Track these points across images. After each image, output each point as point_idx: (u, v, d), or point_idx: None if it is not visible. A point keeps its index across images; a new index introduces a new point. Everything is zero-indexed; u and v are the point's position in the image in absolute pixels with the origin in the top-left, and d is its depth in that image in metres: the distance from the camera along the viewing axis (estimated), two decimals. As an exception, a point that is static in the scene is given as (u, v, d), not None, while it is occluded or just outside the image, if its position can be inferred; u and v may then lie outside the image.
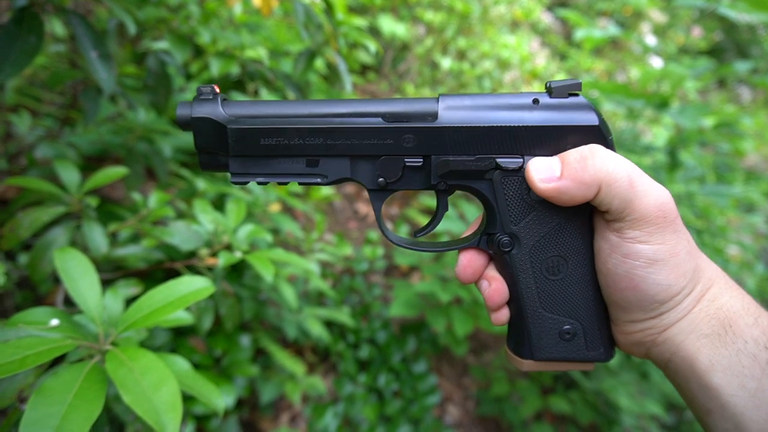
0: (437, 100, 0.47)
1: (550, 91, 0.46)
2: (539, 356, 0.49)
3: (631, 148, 1.89)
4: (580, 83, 0.46)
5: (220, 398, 0.54)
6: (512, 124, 0.45)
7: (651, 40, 3.07)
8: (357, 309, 2.00)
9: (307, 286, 1.77)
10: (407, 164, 0.47)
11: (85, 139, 1.39)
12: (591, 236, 0.47)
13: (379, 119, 0.46)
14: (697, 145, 2.01)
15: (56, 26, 1.45)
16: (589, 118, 0.45)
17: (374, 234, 2.29)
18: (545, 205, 0.47)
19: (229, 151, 0.47)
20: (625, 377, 1.75)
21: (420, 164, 0.47)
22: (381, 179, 0.48)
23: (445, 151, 0.47)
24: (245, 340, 1.51)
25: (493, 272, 0.52)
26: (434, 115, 0.46)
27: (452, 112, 0.46)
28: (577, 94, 0.46)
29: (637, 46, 3.55)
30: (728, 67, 1.72)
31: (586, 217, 0.47)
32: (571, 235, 0.47)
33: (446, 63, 2.57)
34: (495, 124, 0.45)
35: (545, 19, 3.72)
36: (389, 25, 2.46)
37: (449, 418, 1.94)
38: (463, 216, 1.72)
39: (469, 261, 0.51)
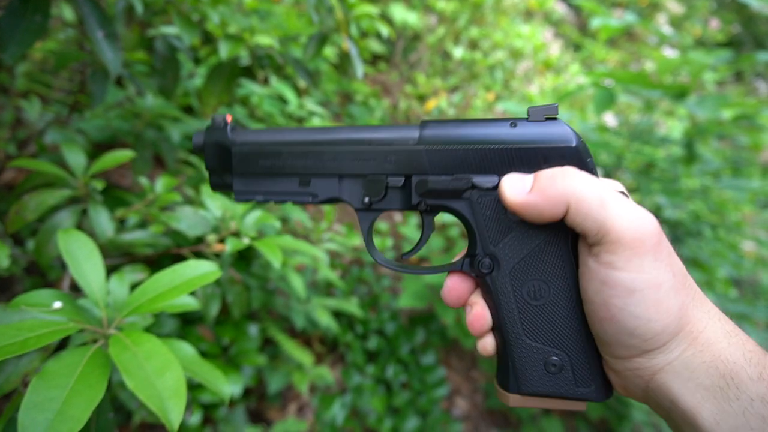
0: (419, 126, 0.50)
1: (528, 115, 0.47)
2: (525, 389, 0.48)
3: (646, 140, 1.86)
4: (557, 106, 0.47)
5: (226, 385, 0.53)
6: (488, 145, 0.47)
7: (667, 31, 3.01)
8: (365, 300, 1.99)
9: (316, 276, 1.76)
10: (390, 184, 0.50)
11: (94, 125, 1.38)
12: (575, 262, 0.46)
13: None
14: (715, 138, 1.96)
15: (65, 11, 1.44)
16: (566, 140, 0.46)
17: (384, 225, 2.27)
18: (525, 226, 0.47)
19: (233, 170, 0.53)
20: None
21: (401, 184, 0.50)
22: (366, 199, 0.51)
23: (424, 171, 0.49)
24: (253, 330, 1.50)
25: (476, 297, 0.51)
26: (415, 139, 0.49)
27: (432, 132, 0.49)
28: (555, 118, 0.47)
29: (653, 38, 3.48)
30: (750, 57, 1.67)
31: (568, 240, 0.46)
32: (553, 258, 0.47)
33: (458, 53, 2.54)
34: (472, 146, 0.47)
35: (559, 9, 3.66)
36: (401, 13, 2.43)
37: (457, 410, 1.92)
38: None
39: (454, 284, 0.51)
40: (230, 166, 0.53)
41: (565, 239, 0.46)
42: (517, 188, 0.44)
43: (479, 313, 0.49)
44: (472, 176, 0.48)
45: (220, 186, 0.55)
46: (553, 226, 0.45)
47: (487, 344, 0.50)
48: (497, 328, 0.49)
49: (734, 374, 0.38)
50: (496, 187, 0.47)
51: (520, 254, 0.47)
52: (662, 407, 0.42)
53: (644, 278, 0.40)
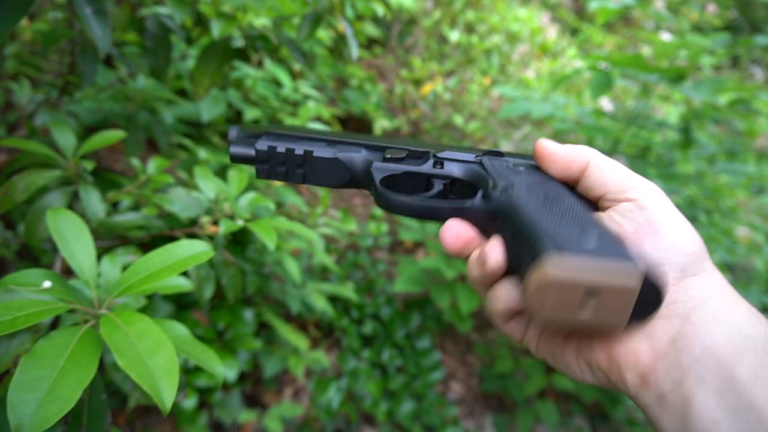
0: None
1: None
2: (570, 249, 0.32)
3: (643, 124, 1.85)
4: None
5: (221, 365, 0.52)
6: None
7: (665, 15, 2.99)
8: (361, 285, 1.99)
9: (311, 261, 1.75)
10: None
11: (85, 107, 1.36)
12: None
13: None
14: (712, 123, 1.96)
15: (54, -10, 1.41)
16: None
17: (379, 210, 2.26)
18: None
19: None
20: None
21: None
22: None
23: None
24: (248, 314, 1.50)
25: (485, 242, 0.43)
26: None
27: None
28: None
29: (650, 22, 3.46)
30: (748, 41, 1.66)
31: None
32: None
33: (454, 36, 2.51)
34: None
35: (556, -7, 3.63)
36: (396, -4, 2.40)
37: (452, 394, 1.93)
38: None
39: (461, 227, 0.43)
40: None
41: None
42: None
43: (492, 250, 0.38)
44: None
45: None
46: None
47: (500, 293, 0.39)
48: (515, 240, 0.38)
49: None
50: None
51: (534, 180, 0.42)
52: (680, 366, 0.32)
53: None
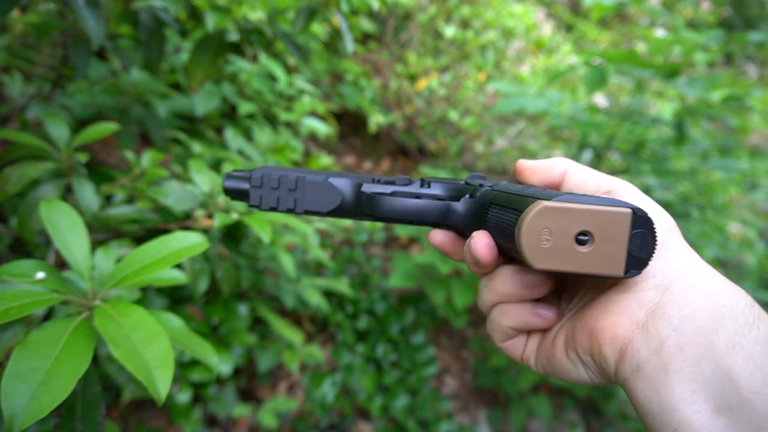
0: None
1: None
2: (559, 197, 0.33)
3: (637, 120, 1.86)
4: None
5: (216, 357, 0.52)
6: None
7: (660, 11, 3.00)
8: (356, 280, 1.99)
9: (306, 256, 1.75)
10: None
11: (78, 101, 1.35)
12: None
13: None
14: (705, 119, 1.97)
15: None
16: None
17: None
18: None
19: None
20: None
21: None
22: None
23: None
24: (243, 309, 1.50)
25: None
26: None
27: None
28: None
29: (645, 19, 3.47)
30: (741, 37, 1.67)
31: None
32: None
33: (449, 32, 2.51)
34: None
35: (551, -11, 3.63)
36: (392, -9, 2.39)
37: (447, 389, 1.94)
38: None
39: (449, 239, 0.46)
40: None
41: None
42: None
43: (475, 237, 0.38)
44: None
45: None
46: None
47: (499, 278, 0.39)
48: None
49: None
50: None
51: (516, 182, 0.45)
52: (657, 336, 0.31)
53: None
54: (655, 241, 0.32)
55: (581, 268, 0.31)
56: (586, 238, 0.31)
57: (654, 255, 0.32)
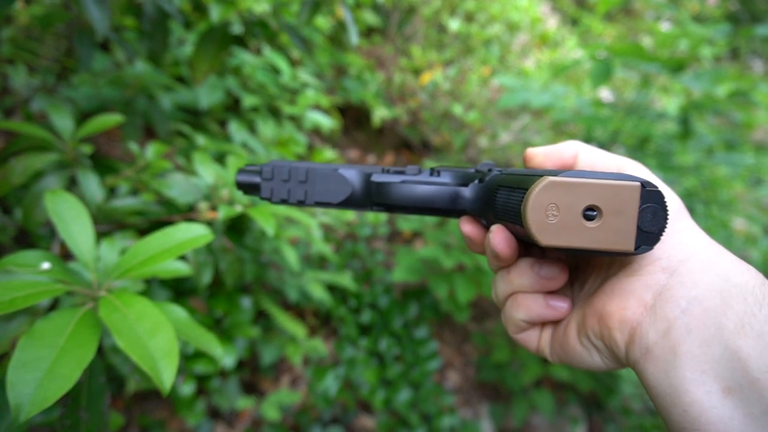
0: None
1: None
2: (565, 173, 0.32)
3: (642, 115, 1.85)
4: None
5: (220, 348, 0.53)
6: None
7: (666, 5, 2.98)
8: (359, 274, 1.99)
9: (309, 250, 1.75)
10: None
11: (83, 93, 1.35)
12: None
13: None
14: (711, 114, 1.96)
15: (50, -26, 1.39)
16: None
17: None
18: None
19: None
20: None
21: None
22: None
23: None
24: (246, 302, 1.50)
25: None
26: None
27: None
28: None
29: (651, 13, 3.44)
30: (748, 30, 1.65)
31: None
32: None
33: (454, 25, 2.50)
34: None
35: (557, -17, 3.61)
36: (396, -16, 2.38)
37: (449, 383, 1.94)
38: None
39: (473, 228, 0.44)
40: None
41: None
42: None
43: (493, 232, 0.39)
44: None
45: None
46: None
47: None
48: None
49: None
50: None
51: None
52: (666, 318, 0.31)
53: None
54: (667, 215, 0.30)
55: (590, 244, 0.30)
56: (594, 213, 0.30)
57: (665, 231, 0.31)
